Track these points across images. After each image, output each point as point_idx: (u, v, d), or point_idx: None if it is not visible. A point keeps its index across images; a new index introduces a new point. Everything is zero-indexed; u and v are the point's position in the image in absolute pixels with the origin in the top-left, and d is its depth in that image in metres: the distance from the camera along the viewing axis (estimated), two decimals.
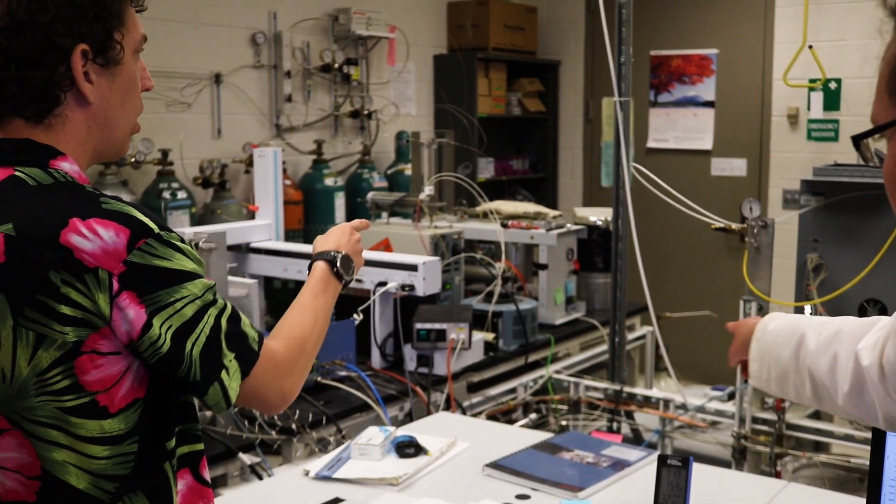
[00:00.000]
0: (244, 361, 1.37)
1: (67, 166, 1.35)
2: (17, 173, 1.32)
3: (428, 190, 3.73)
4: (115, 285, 1.26)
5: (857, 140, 0.93)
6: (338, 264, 1.68)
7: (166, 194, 4.41)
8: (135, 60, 1.43)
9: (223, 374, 1.34)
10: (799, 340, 1.59)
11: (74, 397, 1.27)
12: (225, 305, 1.38)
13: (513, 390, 3.46)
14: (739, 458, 3.18)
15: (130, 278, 1.26)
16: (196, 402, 1.44)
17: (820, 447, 3.29)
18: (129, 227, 1.28)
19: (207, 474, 1.47)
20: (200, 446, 1.44)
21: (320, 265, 1.68)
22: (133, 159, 4.37)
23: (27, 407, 1.27)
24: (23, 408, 1.27)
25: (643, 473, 2.17)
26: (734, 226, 3.26)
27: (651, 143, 6.42)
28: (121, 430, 1.30)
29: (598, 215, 4.17)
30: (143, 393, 1.32)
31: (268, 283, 3.83)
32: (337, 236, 1.77)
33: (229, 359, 1.35)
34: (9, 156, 1.33)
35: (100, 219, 1.27)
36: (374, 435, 2.30)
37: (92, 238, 1.25)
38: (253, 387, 1.38)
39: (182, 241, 1.35)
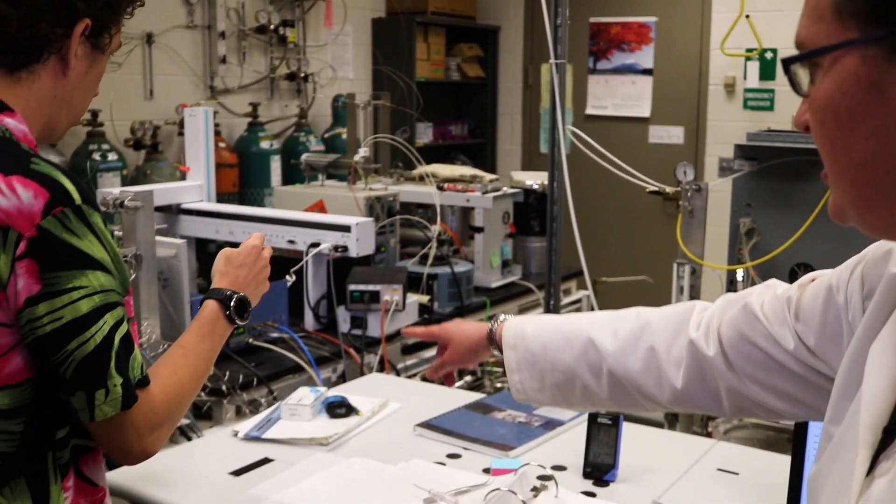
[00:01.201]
0: (127, 395, 1.29)
1: (12, 123, 1.31)
2: None
3: (363, 152, 3.69)
4: (22, 247, 1.20)
5: (788, 63, 0.86)
6: (231, 307, 1.56)
7: (96, 156, 4.31)
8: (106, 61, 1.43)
9: (99, 392, 1.27)
10: (585, 343, 1.47)
11: None
12: (123, 319, 1.30)
13: None
14: (672, 419, 3.20)
15: (37, 246, 1.21)
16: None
17: None
18: (50, 191, 1.23)
19: (97, 473, 1.39)
20: (91, 443, 1.36)
21: (211, 305, 1.56)
22: None
23: None
24: None
25: (575, 433, 2.18)
26: (668, 189, 3.27)
27: (589, 110, 6.44)
28: (5, 405, 1.24)
29: (535, 179, 4.16)
30: (34, 374, 1.26)
31: (200, 245, 3.76)
32: (238, 264, 1.65)
33: (114, 383, 1.28)
34: None
35: (23, 177, 1.22)
36: (304, 395, 2.27)
37: (9, 195, 1.21)
38: (122, 427, 1.31)
39: (104, 224, 1.28)
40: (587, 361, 1.47)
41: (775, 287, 1.30)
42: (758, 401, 1.30)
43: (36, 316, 1.22)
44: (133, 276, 2.49)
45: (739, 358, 1.29)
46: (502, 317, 1.66)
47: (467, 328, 1.70)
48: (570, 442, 2.13)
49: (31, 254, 1.21)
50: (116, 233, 2.61)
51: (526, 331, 1.57)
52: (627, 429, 2.01)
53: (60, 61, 1.34)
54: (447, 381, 1.82)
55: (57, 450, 1.30)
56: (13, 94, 1.32)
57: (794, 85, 0.85)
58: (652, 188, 3.30)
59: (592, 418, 1.98)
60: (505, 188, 3.91)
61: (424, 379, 3.20)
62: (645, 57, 6.31)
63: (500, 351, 1.63)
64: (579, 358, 1.48)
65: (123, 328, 1.29)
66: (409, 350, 3.30)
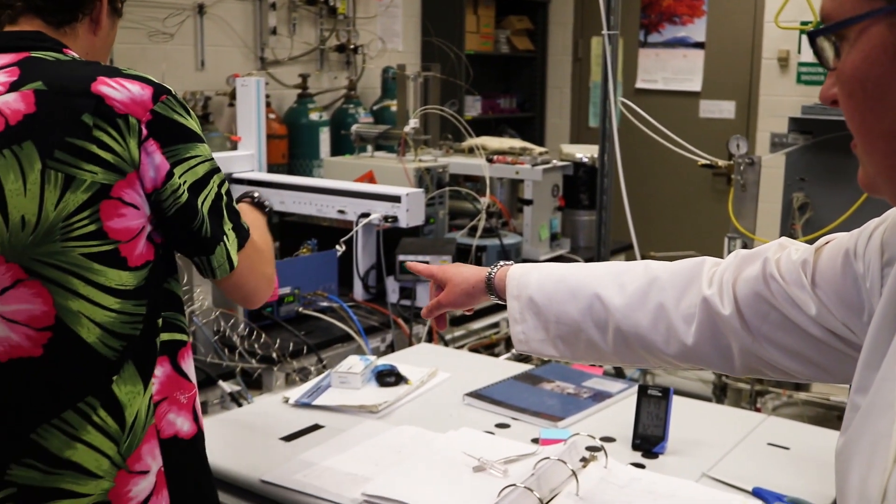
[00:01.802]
0: (240, 235, 1.51)
1: (77, 57, 1.48)
2: (33, 54, 1.43)
3: (413, 123, 3.69)
4: (144, 131, 1.37)
5: (814, 36, 0.84)
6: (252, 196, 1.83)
7: None
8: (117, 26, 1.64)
9: (226, 238, 1.47)
10: (591, 298, 1.45)
11: (99, 243, 1.35)
12: (224, 179, 1.49)
13: (495, 325, 3.45)
14: (720, 394, 3.19)
15: (156, 127, 1.38)
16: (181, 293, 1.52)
17: (800, 386, 3.30)
18: (151, 85, 1.41)
19: (189, 368, 1.52)
20: (184, 337, 1.51)
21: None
22: None
23: (51, 252, 1.33)
24: (47, 253, 1.33)
25: (623, 405, 2.17)
26: (721, 162, 3.24)
27: (640, 84, 6.38)
28: (133, 285, 1.39)
29: (585, 152, 4.14)
30: (153, 257, 1.42)
31: None
32: None
33: (228, 227, 1.48)
34: (24, 42, 1.45)
35: (124, 78, 1.40)
36: (354, 364, 2.28)
37: (120, 89, 1.37)
38: (245, 266, 1.51)
39: (191, 110, 1.48)
40: (593, 316, 1.45)
41: (789, 247, 1.28)
42: (771, 361, 1.29)
43: (177, 185, 1.39)
44: None
45: (755, 317, 1.28)
46: (501, 263, 1.63)
47: (466, 271, 1.67)
48: (618, 414, 2.13)
49: (153, 134, 1.38)
50: None
51: (530, 281, 1.54)
52: (676, 402, 2.00)
53: (92, 23, 1.54)
54: (438, 323, 1.77)
55: (159, 335, 1.45)
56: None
57: (821, 59, 0.84)
58: (704, 161, 3.27)
59: (642, 390, 1.97)
60: (555, 161, 3.89)
61: (474, 350, 3.21)
62: (697, 30, 6.23)
63: (499, 298, 1.60)
64: (585, 312, 1.46)
65: (226, 185, 1.50)
66: (457, 321, 3.30)
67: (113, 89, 1.37)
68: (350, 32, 5.55)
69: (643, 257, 3.55)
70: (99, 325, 1.36)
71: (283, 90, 5.22)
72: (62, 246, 1.33)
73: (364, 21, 5.72)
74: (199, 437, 1.54)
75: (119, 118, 1.35)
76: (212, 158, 1.47)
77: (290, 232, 3.55)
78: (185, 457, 1.50)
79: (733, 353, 1.32)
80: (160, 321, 1.45)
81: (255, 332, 2.68)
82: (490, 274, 1.62)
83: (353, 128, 4.03)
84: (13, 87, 1.37)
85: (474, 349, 3.24)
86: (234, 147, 3.55)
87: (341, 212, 3.16)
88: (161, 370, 1.45)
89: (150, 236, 1.41)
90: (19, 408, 1.37)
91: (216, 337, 2.60)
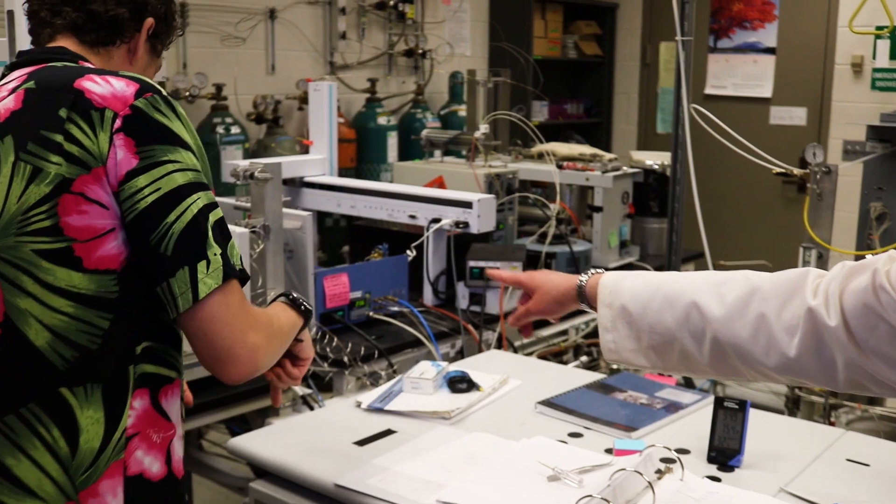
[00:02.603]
0: (227, 265, 1.34)
1: (95, 68, 1.45)
2: (50, 64, 1.44)
3: (483, 128, 3.69)
4: (118, 123, 1.31)
5: None
6: (291, 297, 1.61)
7: (220, 129, 4.42)
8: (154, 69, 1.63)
9: (201, 263, 1.31)
10: (688, 307, 1.42)
11: (51, 240, 1.29)
12: (216, 204, 1.37)
13: (564, 332, 3.44)
14: (793, 407, 3.13)
15: (132, 123, 1.32)
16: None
17: (874, 400, 3.23)
18: (139, 83, 1.37)
19: (172, 407, 1.42)
20: (171, 374, 1.41)
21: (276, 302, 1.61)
22: (188, 93, 4.37)
23: (6, 246, 1.30)
24: (2, 248, 1.30)
25: (697, 416, 2.15)
26: (796, 171, 3.18)
27: (709, 90, 6.31)
28: (90, 290, 1.30)
29: (655, 159, 4.10)
30: (125, 265, 1.32)
31: (319, 219, 3.82)
32: None
33: (214, 252, 1.33)
34: (46, 55, 1.46)
35: (115, 76, 1.37)
36: (426, 369, 2.29)
37: (103, 84, 1.35)
38: (221, 313, 1.33)
39: (187, 117, 1.41)
40: (689, 325, 1.43)
41: None
42: (878, 375, 1.26)
43: (138, 188, 1.30)
44: (260, 247, 2.54)
45: (863, 329, 1.25)
46: (592, 270, 1.61)
47: (556, 278, 1.66)
48: (692, 425, 2.10)
49: (126, 129, 1.31)
50: (245, 204, 2.67)
51: (622, 289, 1.52)
52: (750, 414, 1.97)
53: (129, 52, 1.54)
54: (524, 331, 1.75)
55: (137, 364, 1.35)
56: (92, 62, 1.49)
57: None
58: (779, 170, 3.21)
59: (719, 402, 1.95)
60: (625, 168, 3.86)
61: (542, 357, 3.20)
62: (768, 35, 6.15)
63: (590, 306, 1.59)
64: (681, 321, 1.43)
65: (218, 212, 1.36)
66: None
67: (96, 84, 1.34)
68: (418, 37, 5.57)
69: (714, 266, 3.51)
70: (48, 327, 1.30)
71: (351, 94, 5.26)
72: (15, 241, 1.29)
73: (432, 26, 5.74)
74: (170, 481, 1.42)
75: (95, 111, 1.31)
76: (198, 171, 1.36)
77: (359, 236, 3.57)
78: (152, 500, 1.40)
79: (837, 366, 1.29)
80: (140, 348, 1.36)
81: (326, 336, 2.70)
82: (581, 281, 1.60)
83: (424, 133, 4.04)
84: (14, 91, 1.38)
85: (543, 356, 3.23)
86: (305, 151, 3.59)
87: (412, 217, 3.17)
88: (139, 403, 1.37)
89: (124, 240, 1.32)
90: None
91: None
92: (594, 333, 3.50)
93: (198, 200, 1.33)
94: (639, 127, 6.80)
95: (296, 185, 3.46)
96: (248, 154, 4.49)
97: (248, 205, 2.64)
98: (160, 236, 1.30)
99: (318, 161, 3.47)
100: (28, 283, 1.29)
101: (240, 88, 4.67)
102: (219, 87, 4.50)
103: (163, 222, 1.30)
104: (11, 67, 1.48)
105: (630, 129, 6.83)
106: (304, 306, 1.60)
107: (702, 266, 4.00)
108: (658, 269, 3.82)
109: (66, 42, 1.48)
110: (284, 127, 4.82)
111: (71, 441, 1.31)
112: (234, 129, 4.45)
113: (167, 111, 1.35)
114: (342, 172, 4.54)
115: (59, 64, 1.43)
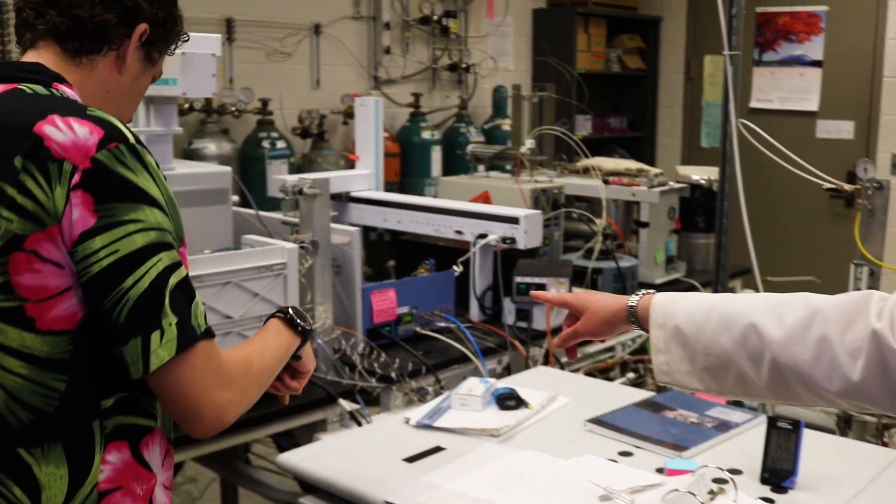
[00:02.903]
0: (183, 335, 1.26)
1: (70, 92, 1.38)
2: (20, 87, 1.34)
3: (529, 143, 3.69)
4: (76, 178, 1.22)
5: None
6: (288, 313, 1.54)
7: (266, 143, 4.45)
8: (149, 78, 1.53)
9: (154, 334, 1.24)
10: (745, 328, 1.38)
11: (2, 298, 1.23)
12: (179, 263, 1.28)
13: (611, 348, 3.41)
14: (844, 427, 3.08)
15: (92, 178, 1.22)
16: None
17: None
18: (104, 129, 1.26)
19: (153, 456, 1.37)
20: (150, 423, 1.36)
21: (272, 319, 1.54)
22: (234, 108, 4.41)
23: None
24: None
25: (749, 436, 2.12)
26: (847, 186, 3.14)
27: (754, 104, 6.26)
28: (44, 352, 1.24)
29: (701, 174, 4.07)
30: (75, 325, 1.26)
31: (364, 233, 3.83)
32: None
33: (169, 321, 1.25)
34: (19, 73, 1.36)
35: (79, 118, 1.26)
36: (474, 386, 2.28)
37: (65, 131, 1.24)
38: (185, 377, 1.26)
39: (157, 165, 1.30)
40: (747, 348, 1.39)
41: None
42: None
43: (92, 250, 1.22)
44: (309, 263, 2.55)
45: None
46: (643, 291, 1.59)
47: (604, 298, 1.63)
48: (744, 445, 2.08)
49: (85, 185, 1.22)
50: (293, 220, 2.68)
51: (676, 309, 1.49)
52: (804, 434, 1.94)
53: (118, 60, 1.43)
54: (570, 353, 1.72)
55: (106, 418, 1.30)
56: (72, 76, 1.40)
57: None
58: (829, 185, 3.18)
59: (772, 422, 1.92)
60: (671, 183, 3.84)
61: (589, 374, 3.18)
62: (814, 48, 6.09)
63: (642, 327, 1.56)
64: (738, 343, 1.40)
65: (181, 272, 1.28)
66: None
67: (57, 130, 1.23)
68: (462, 52, 5.59)
69: (762, 282, 3.48)
70: (2, 387, 1.25)
71: (395, 109, 5.28)
72: None
73: (476, 40, 5.75)
74: None
75: (52, 163, 1.22)
76: (162, 230, 1.26)
77: (405, 251, 3.58)
78: None
79: None
80: (112, 400, 1.30)
81: (374, 351, 2.70)
82: (632, 302, 1.58)
83: (469, 147, 4.04)
84: None
85: (589, 373, 3.21)
86: (349, 165, 3.60)
87: (458, 232, 3.17)
88: (118, 457, 1.31)
89: (82, 301, 1.25)
90: None
91: (336, 355, 2.63)
92: (641, 350, 3.47)
93: (158, 263, 1.24)
94: (683, 141, 6.76)
95: (342, 199, 3.47)
96: (294, 168, 4.52)
97: (297, 220, 2.65)
98: (114, 301, 1.22)
99: (364, 176, 3.49)
100: None
101: (285, 103, 4.71)
102: (264, 102, 4.53)
103: (118, 287, 1.22)
104: None
105: (674, 142, 6.79)
106: (302, 326, 1.53)
107: (750, 282, 3.95)
108: (705, 285, 3.79)
109: (46, 50, 1.39)
110: (329, 141, 4.85)
111: (33, 498, 1.27)
112: (280, 144, 4.48)
113: (132, 163, 1.25)
114: (387, 187, 4.56)
115: (28, 90, 1.33)
